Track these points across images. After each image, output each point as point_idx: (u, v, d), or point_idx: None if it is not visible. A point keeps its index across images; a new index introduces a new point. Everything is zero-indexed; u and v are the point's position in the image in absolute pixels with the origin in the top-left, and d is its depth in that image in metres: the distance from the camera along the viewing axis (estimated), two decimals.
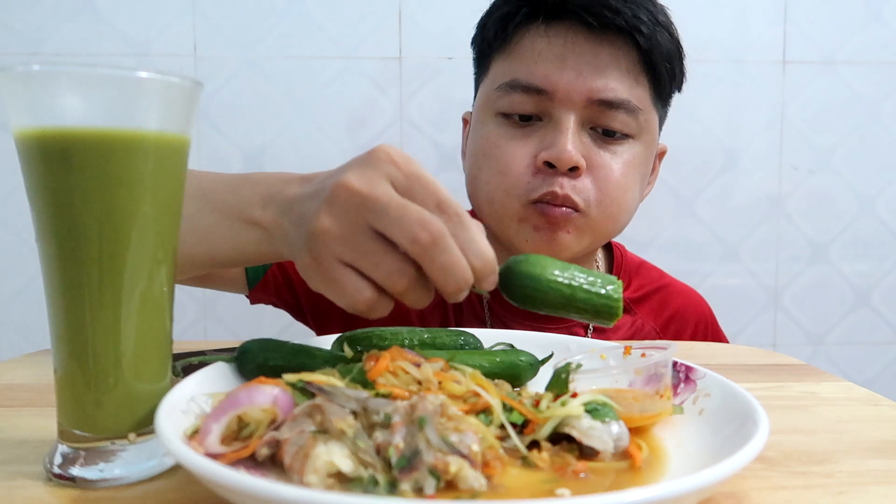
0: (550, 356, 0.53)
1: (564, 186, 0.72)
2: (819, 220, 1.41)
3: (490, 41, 0.79)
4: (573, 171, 0.72)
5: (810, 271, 1.42)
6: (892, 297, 1.44)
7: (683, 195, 1.37)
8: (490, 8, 0.79)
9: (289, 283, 0.86)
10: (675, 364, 0.48)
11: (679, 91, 0.81)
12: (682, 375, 0.48)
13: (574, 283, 0.44)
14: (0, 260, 1.26)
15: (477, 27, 0.81)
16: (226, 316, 1.31)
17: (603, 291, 0.45)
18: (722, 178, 1.38)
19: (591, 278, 0.45)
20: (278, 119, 1.28)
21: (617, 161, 0.74)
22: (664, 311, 0.90)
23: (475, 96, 0.83)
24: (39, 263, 0.37)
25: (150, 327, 0.38)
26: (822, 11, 1.35)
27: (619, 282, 0.45)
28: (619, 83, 0.73)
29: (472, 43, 0.83)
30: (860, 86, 1.38)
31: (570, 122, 0.72)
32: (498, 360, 0.51)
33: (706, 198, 1.38)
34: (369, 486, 0.32)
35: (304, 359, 0.47)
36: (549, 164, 0.72)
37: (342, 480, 0.33)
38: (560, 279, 0.44)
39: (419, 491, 0.32)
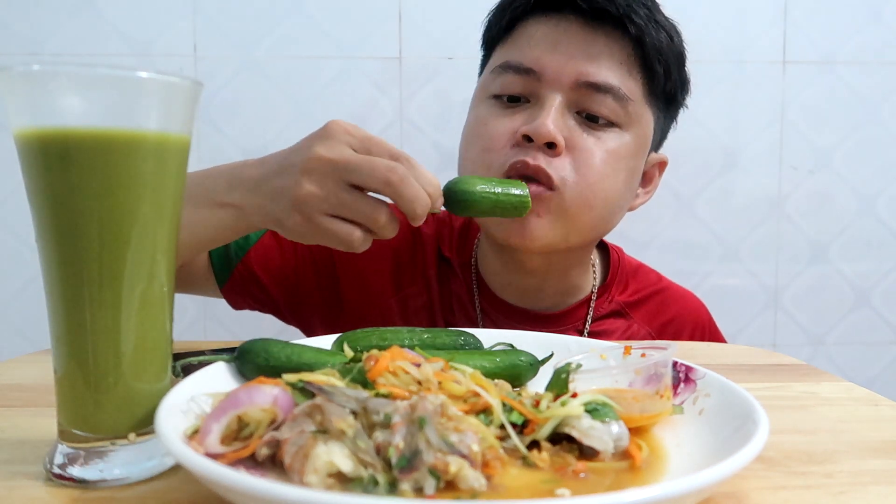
0: (550, 356, 0.53)
1: (538, 158, 0.71)
2: (819, 220, 1.41)
3: (493, 34, 0.80)
4: (551, 148, 0.71)
5: (810, 271, 1.42)
6: (892, 297, 1.44)
7: (683, 195, 1.37)
8: (495, 6, 0.80)
9: (255, 279, 0.85)
10: (675, 364, 0.48)
11: (679, 97, 0.80)
12: (682, 375, 0.48)
13: (497, 190, 0.61)
14: (0, 260, 1.26)
15: (484, 24, 0.82)
16: (226, 316, 1.31)
17: (517, 192, 0.61)
18: (722, 178, 1.38)
19: (506, 185, 0.62)
20: (278, 119, 1.28)
21: (599, 147, 0.73)
22: (660, 315, 0.89)
23: None
24: (39, 263, 0.37)
25: (150, 327, 0.38)
26: (822, 11, 1.35)
27: (524, 183, 0.63)
28: (610, 71, 0.73)
29: (482, 43, 0.83)
30: (860, 86, 1.38)
31: (556, 101, 0.72)
32: (498, 360, 0.51)
33: (706, 198, 1.38)
34: (369, 486, 0.32)
35: (303, 359, 0.47)
36: (528, 140, 0.71)
37: (342, 480, 0.33)
38: (487, 190, 0.60)
39: (419, 491, 0.32)
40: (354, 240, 0.56)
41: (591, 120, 0.73)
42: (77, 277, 0.36)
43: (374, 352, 0.43)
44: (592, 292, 0.87)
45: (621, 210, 0.80)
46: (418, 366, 0.42)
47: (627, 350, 0.48)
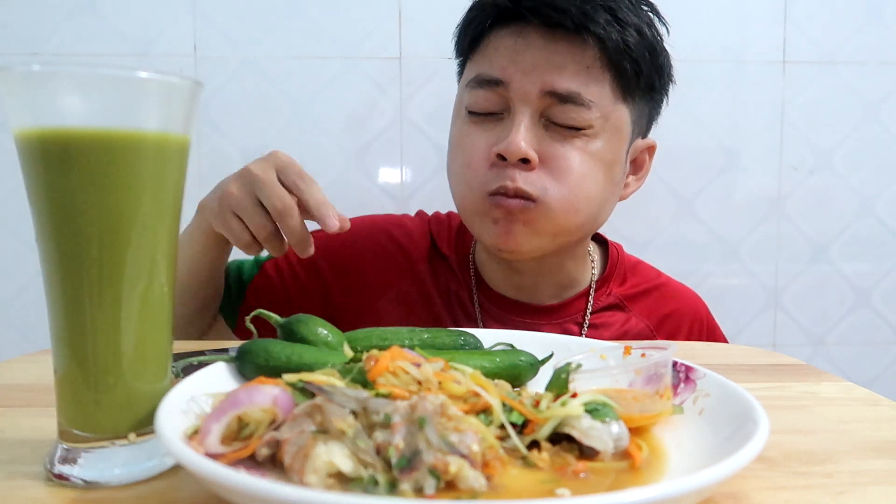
0: (550, 356, 0.53)
1: (516, 179, 0.72)
2: (819, 220, 1.41)
3: (464, 48, 0.81)
4: (525, 163, 0.72)
5: (810, 271, 1.42)
6: (892, 297, 1.44)
7: (683, 195, 1.37)
8: (463, 17, 0.81)
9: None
10: (675, 364, 0.48)
11: (658, 84, 0.79)
12: (682, 375, 0.48)
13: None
14: (0, 260, 1.26)
15: (454, 36, 0.82)
16: None
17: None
18: (722, 178, 1.38)
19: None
20: (278, 119, 1.28)
21: (572, 152, 0.74)
22: (659, 310, 0.90)
23: None
24: (39, 263, 0.37)
25: (151, 327, 0.38)
26: (822, 11, 1.35)
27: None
28: (574, 77, 0.73)
29: (455, 54, 0.84)
30: (860, 86, 1.38)
31: (526, 115, 0.73)
32: (498, 360, 0.51)
33: (706, 198, 1.38)
34: (369, 486, 0.32)
35: (304, 359, 0.47)
36: (502, 158, 0.73)
37: (342, 480, 0.33)
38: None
39: (419, 491, 0.32)
40: (241, 239, 0.67)
41: (561, 127, 0.74)
42: (77, 277, 0.36)
43: (374, 352, 0.43)
44: (591, 285, 0.88)
45: (609, 204, 0.80)
46: (418, 366, 0.42)
47: (627, 350, 0.48)
